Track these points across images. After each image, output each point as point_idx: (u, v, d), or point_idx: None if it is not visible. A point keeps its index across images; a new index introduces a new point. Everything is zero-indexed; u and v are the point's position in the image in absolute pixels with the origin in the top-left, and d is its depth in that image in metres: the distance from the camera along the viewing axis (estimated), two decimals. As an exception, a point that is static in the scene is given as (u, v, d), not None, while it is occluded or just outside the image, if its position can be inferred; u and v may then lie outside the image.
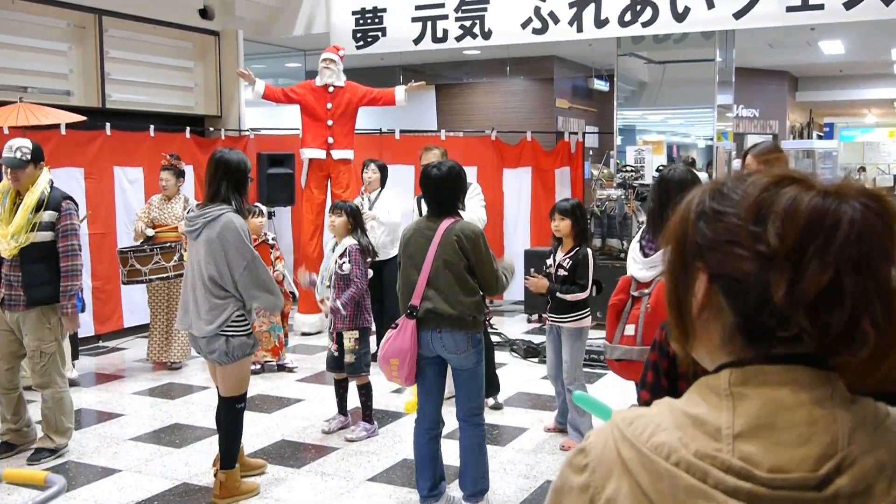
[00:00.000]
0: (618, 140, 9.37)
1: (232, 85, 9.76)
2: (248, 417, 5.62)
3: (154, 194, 7.39)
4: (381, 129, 9.93)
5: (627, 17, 7.78)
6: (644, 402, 2.93)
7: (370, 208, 7.08)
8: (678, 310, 1.04)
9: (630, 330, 3.83)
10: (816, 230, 0.92)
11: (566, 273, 5.05)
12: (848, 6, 6.84)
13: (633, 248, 4.02)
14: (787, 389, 0.94)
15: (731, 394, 0.96)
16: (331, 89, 8.17)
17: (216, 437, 4.71)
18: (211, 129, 9.65)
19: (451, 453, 4.44)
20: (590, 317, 5.15)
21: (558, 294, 5.01)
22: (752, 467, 0.91)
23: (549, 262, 5.21)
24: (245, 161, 4.43)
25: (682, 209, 1.05)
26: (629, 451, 0.97)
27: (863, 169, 20.17)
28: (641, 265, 3.88)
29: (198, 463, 5.00)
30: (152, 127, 8.54)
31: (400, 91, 8.25)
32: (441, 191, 4.07)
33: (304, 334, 8.47)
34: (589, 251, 5.11)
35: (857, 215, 0.92)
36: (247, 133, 9.64)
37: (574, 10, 8.00)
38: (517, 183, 9.48)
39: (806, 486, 0.90)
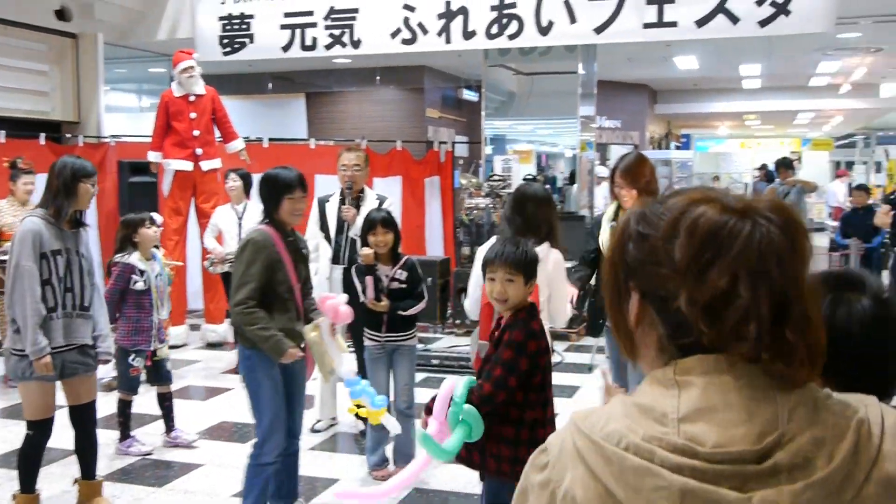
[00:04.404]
0: (488, 149, 9.53)
1: (91, 90, 9.39)
2: (107, 436, 5.41)
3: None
4: (248, 137, 9.74)
5: (494, 30, 7.93)
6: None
7: (240, 221, 7.00)
8: (619, 325, 1.13)
9: None
10: (712, 242, 1.01)
11: (404, 285, 4.79)
12: (699, 24, 7.19)
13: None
14: (729, 375, 1.01)
15: (677, 382, 1.03)
16: (192, 98, 7.98)
17: (71, 457, 4.53)
18: (68, 135, 9.24)
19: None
20: None
21: (401, 313, 4.75)
22: (696, 445, 0.96)
23: (369, 280, 4.74)
24: (66, 165, 4.17)
25: (615, 234, 1.14)
26: (583, 441, 1.03)
27: (717, 178, 21.22)
28: None
29: (51, 486, 4.77)
30: (3, 132, 8.11)
31: (238, 144, 8.27)
32: None
33: (209, 345, 8.33)
34: (414, 259, 4.99)
35: (756, 229, 1.00)
36: (107, 140, 9.27)
37: (442, 21, 8.09)
38: (387, 192, 9.48)
39: (746, 460, 0.96)
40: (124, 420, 5.39)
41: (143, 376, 5.45)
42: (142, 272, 5.25)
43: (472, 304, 4.16)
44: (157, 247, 5.56)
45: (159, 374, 5.48)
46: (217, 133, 8.29)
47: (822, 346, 1.03)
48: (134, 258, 5.26)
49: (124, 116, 12.58)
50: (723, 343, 1.02)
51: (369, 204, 5.46)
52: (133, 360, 5.24)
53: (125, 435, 5.39)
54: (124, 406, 5.38)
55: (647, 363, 1.11)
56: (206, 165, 8.09)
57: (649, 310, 1.07)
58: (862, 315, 1.40)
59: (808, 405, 1.00)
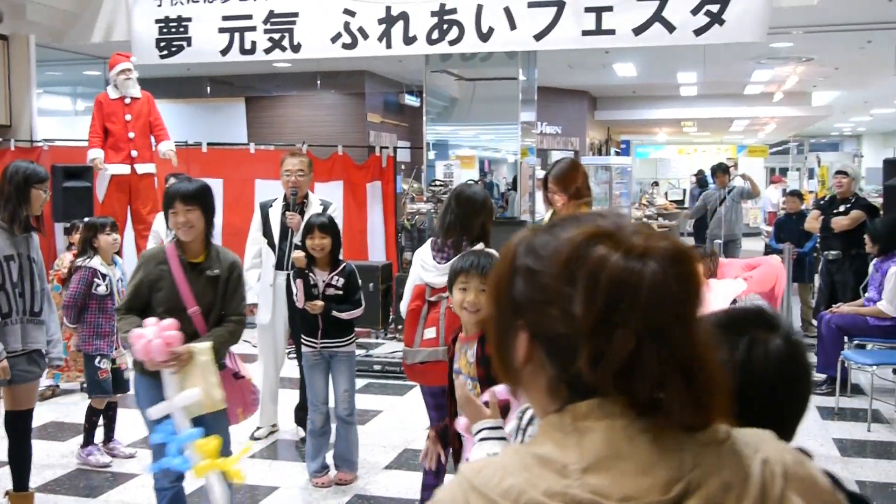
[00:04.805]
0: (431, 154, 9.54)
1: (23, 92, 9.14)
2: (40, 447, 5.29)
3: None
4: (186, 142, 9.61)
5: (435, 35, 7.95)
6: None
7: None
8: (503, 362, 1.04)
9: (431, 333, 3.92)
10: (618, 297, 0.93)
11: (340, 292, 4.73)
12: (637, 32, 7.30)
13: (424, 258, 4.16)
14: (628, 419, 0.95)
15: (576, 429, 0.96)
16: (127, 100, 7.85)
17: (2, 470, 4.41)
18: (-1, 139, 8.99)
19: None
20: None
21: (336, 314, 4.69)
22: (601, 499, 0.90)
23: (299, 282, 4.69)
24: (18, 169, 4.13)
25: (499, 264, 1.05)
26: (478, 499, 0.94)
27: (656, 183, 21.57)
28: (436, 272, 4.01)
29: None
30: (-71, 136, 7.87)
31: (168, 145, 8.06)
32: None
33: None
34: (353, 265, 4.92)
35: (655, 279, 0.94)
36: (40, 144, 9.04)
37: (383, 26, 8.08)
38: (328, 197, 9.42)
39: None
40: (90, 427, 5.27)
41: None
42: (104, 276, 5.23)
43: (406, 305, 4.17)
44: (117, 253, 5.56)
45: (118, 381, 5.34)
46: (153, 140, 8.15)
47: (719, 390, 0.97)
48: (96, 262, 5.26)
49: (57, 120, 12.31)
50: (620, 391, 0.95)
51: (313, 209, 5.43)
52: (99, 362, 5.17)
53: (87, 441, 5.27)
54: (92, 413, 5.26)
55: (537, 405, 1.05)
56: (141, 169, 7.95)
57: (538, 349, 1.00)
58: (777, 356, 1.41)
59: (711, 447, 0.96)
